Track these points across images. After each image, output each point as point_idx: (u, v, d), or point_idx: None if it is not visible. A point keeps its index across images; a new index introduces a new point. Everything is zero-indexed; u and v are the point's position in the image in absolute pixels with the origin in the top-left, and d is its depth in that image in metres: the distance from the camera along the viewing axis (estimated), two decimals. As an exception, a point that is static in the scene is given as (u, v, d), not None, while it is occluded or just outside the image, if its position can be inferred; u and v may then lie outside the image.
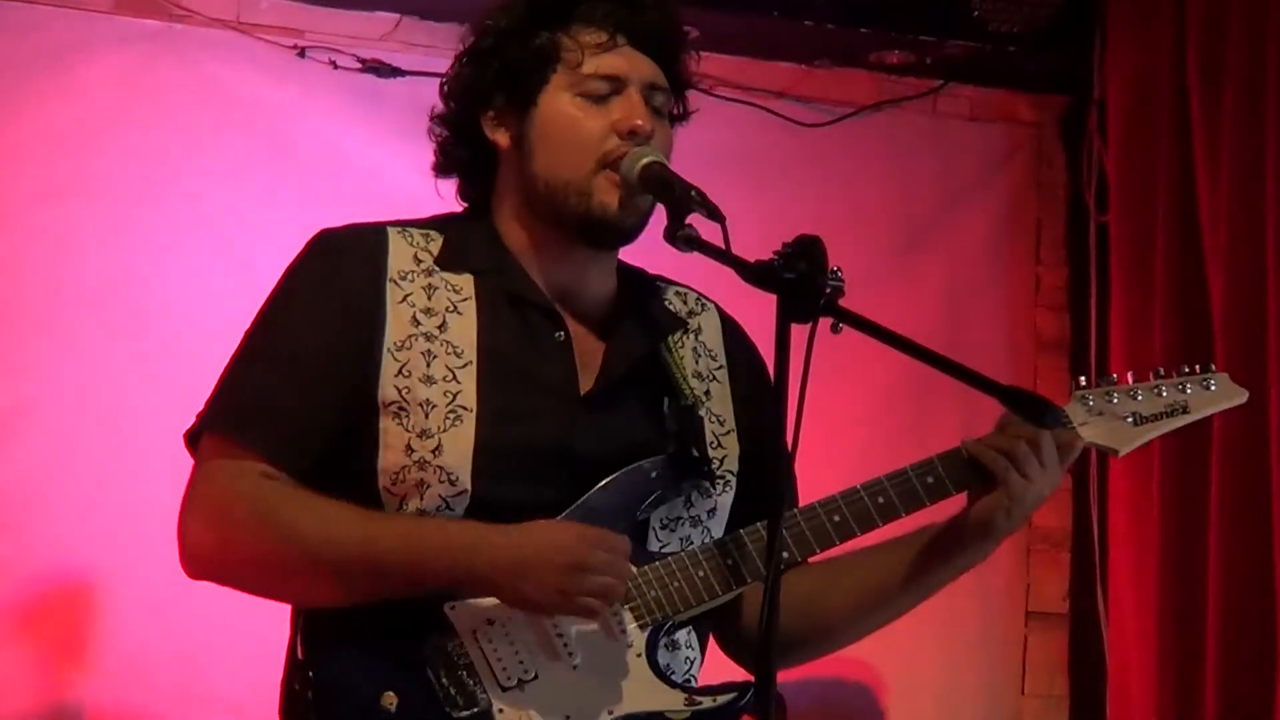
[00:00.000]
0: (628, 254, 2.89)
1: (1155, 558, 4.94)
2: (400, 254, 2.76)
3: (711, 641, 2.92)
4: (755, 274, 2.40)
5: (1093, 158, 5.41)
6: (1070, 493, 5.44)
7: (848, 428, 5.09)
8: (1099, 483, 5.29)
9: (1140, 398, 2.84)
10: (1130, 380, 2.86)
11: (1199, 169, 4.89)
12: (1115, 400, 2.83)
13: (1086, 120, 5.44)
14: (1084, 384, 2.85)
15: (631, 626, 2.66)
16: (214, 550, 2.66)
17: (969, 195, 5.61)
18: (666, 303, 2.93)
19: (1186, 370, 2.88)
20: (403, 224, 2.82)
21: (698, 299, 2.98)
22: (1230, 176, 4.74)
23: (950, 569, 2.82)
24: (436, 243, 2.80)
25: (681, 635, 2.77)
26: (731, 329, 2.99)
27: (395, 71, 5.01)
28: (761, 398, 2.89)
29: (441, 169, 2.90)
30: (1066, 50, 5.35)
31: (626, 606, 2.66)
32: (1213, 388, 2.88)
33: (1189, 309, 4.91)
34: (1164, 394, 2.86)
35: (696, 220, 2.59)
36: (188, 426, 2.75)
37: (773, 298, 2.38)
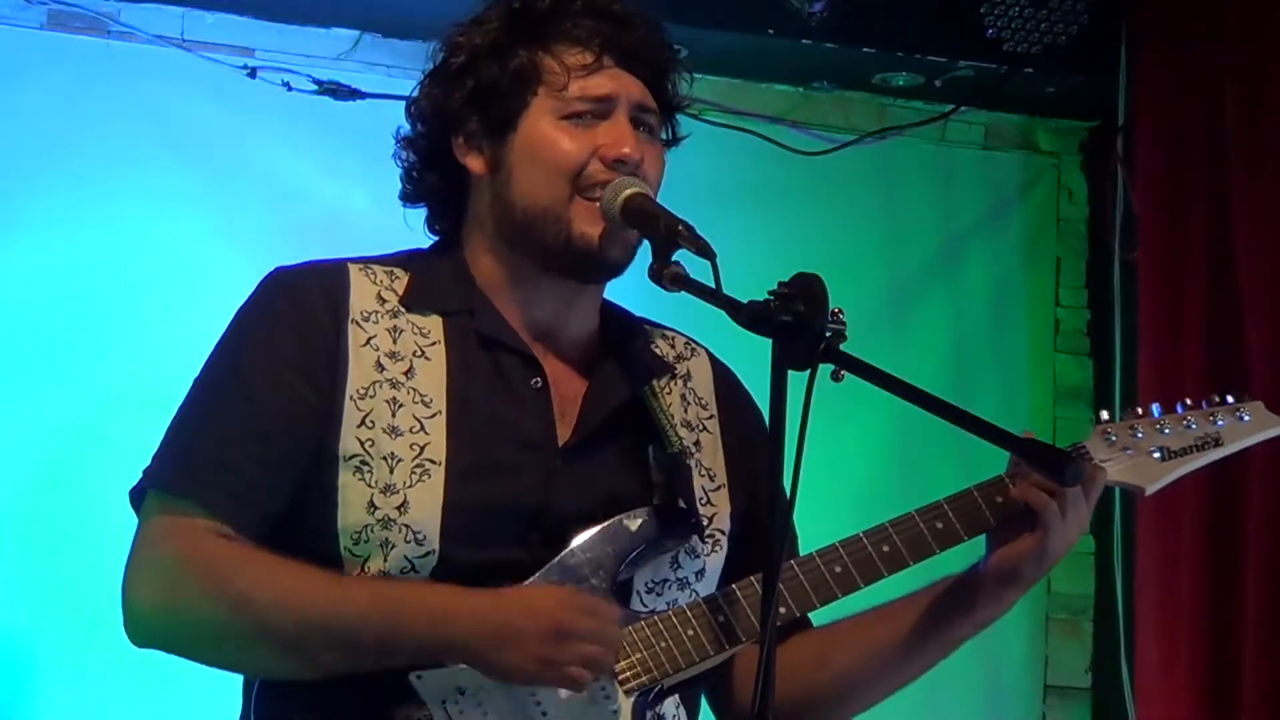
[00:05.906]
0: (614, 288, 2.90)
1: (1186, 625, 4.92)
2: (362, 293, 2.76)
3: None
4: (749, 316, 2.39)
5: (1118, 189, 5.42)
6: (1092, 554, 5.45)
7: (844, 479, 5.09)
8: (1123, 541, 5.27)
9: (1167, 431, 2.87)
10: (1155, 413, 2.89)
11: (1235, 202, 4.89)
12: (1140, 435, 2.86)
13: (1111, 149, 5.46)
14: (1106, 418, 2.87)
15: (616, 693, 2.64)
16: (164, 617, 2.63)
17: (981, 230, 5.64)
18: (653, 346, 2.93)
19: (1217, 400, 2.91)
20: (364, 261, 2.82)
21: (687, 343, 2.98)
22: (1270, 210, 4.76)
23: (969, 623, 2.80)
24: (402, 281, 2.79)
25: (669, 707, 2.74)
26: (724, 376, 2.98)
27: (354, 93, 5.02)
28: (756, 450, 2.89)
29: (408, 196, 2.90)
30: (1089, 73, 5.35)
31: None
32: (1246, 418, 2.91)
33: (1224, 355, 4.90)
34: (1193, 426, 2.89)
35: (684, 257, 2.60)
36: (133, 484, 2.72)
37: (767, 342, 2.36)
